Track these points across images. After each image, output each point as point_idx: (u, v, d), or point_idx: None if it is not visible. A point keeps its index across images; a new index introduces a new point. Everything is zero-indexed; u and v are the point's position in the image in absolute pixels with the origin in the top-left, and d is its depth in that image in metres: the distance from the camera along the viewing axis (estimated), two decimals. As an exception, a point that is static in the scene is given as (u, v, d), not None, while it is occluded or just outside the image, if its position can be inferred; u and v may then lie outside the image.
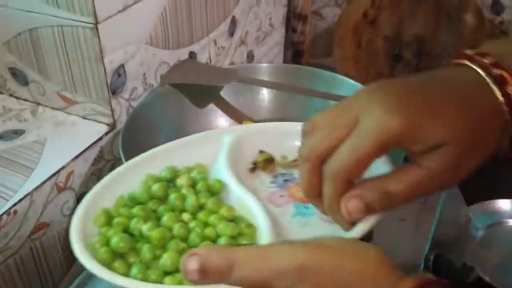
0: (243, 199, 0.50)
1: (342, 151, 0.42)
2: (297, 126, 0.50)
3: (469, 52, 0.47)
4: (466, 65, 0.46)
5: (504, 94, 0.44)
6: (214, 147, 0.55)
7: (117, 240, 0.46)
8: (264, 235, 0.46)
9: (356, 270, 0.38)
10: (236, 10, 0.99)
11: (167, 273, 0.44)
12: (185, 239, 0.47)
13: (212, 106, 0.80)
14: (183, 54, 0.88)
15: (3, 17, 0.75)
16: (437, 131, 0.42)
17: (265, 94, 0.82)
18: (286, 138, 0.56)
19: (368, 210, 0.43)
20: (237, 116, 0.81)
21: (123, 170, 0.54)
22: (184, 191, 0.51)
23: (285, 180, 0.55)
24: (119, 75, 0.76)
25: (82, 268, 0.45)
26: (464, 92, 0.45)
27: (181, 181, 0.52)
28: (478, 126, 0.44)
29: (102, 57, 0.72)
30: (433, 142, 0.42)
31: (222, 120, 0.81)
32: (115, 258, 0.45)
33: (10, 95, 0.85)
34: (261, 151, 0.56)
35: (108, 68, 0.74)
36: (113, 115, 0.78)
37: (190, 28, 0.88)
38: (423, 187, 0.43)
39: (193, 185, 0.52)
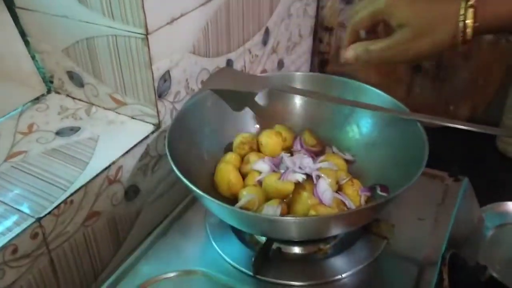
0: None
1: (356, 15, 0.71)
2: None
3: None
4: None
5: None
6: None
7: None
8: None
9: None
10: (269, 22, 1.04)
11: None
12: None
13: (247, 110, 0.84)
14: (221, 61, 0.93)
15: (64, 26, 0.81)
16: (404, 12, 0.65)
17: (296, 101, 0.86)
18: None
19: (357, 59, 0.70)
20: (270, 120, 0.85)
21: None
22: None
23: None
24: (165, 80, 0.81)
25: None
26: None
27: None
28: (435, 20, 0.64)
29: (151, 64, 0.77)
30: (400, 21, 0.65)
31: (255, 123, 0.86)
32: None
33: (67, 95, 0.91)
34: None
35: (156, 74, 0.79)
36: (158, 116, 0.83)
37: (228, 38, 0.93)
38: (388, 51, 0.67)
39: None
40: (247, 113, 0.85)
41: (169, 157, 0.69)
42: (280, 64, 1.14)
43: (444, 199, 0.80)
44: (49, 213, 0.68)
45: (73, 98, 0.90)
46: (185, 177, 0.66)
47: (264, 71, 1.08)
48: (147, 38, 0.75)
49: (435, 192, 0.81)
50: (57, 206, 0.69)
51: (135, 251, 0.74)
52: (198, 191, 0.64)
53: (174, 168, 0.67)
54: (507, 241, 0.91)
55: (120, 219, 0.81)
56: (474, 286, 0.75)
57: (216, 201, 0.64)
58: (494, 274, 0.82)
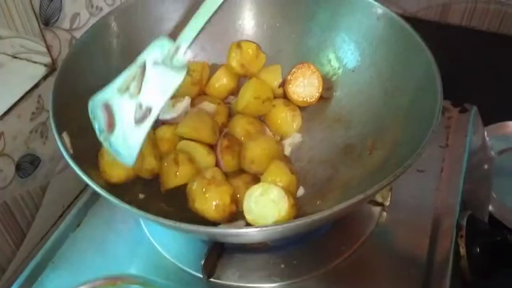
0: None
1: None
2: None
3: None
4: None
5: None
6: None
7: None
8: None
9: None
10: None
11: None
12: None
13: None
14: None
15: None
16: None
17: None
18: None
19: None
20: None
21: None
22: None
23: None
24: (51, -1, 0.49)
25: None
26: None
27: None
28: None
29: (20, -26, 0.45)
30: None
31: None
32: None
33: None
34: None
35: (33, -11, 0.47)
36: (50, 52, 0.51)
37: None
38: None
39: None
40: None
41: (51, 116, 0.41)
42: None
43: (448, 139, 0.55)
44: None
45: None
46: (84, 167, 0.39)
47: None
48: None
49: (436, 130, 0.55)
50: None
51: (37, 254, 0.47)
52: (112, 198, 0.37)
53: (64, 153, 0.40)
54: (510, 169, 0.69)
55: (17, 203, 0.52)
56: (489, 246, 0.53)
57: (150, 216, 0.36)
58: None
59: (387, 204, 0.49)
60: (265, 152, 0.47)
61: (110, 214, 0.50)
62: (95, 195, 0.51)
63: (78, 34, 0.54)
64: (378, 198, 0.50)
